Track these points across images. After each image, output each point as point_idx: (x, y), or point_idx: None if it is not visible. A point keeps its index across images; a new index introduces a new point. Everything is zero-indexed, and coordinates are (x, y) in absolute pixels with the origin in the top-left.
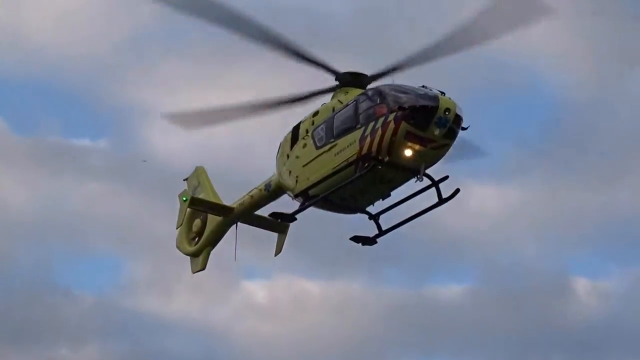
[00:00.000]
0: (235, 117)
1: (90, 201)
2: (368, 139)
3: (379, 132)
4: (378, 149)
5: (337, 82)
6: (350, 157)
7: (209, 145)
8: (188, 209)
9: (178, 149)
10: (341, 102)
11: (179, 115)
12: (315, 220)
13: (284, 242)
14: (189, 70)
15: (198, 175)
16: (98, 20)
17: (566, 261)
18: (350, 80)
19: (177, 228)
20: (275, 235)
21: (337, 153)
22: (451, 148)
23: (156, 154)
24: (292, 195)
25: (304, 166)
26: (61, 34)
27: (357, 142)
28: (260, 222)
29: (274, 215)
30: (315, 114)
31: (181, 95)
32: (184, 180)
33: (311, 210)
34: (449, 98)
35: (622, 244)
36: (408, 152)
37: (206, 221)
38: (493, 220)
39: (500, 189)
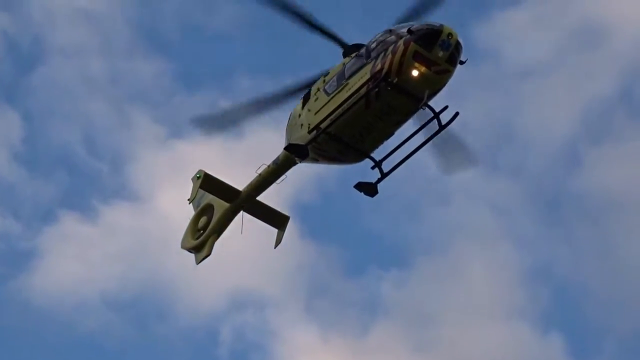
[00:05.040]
0: (248, 115)
1: None
2: (379, 65)
3: (389, 56)
4: (388, 69)
5: (344, 59)
6: (362, 85)
7: None
8: (198, 193)
9: None
10: (351, 57)
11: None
12: None
13: (282, 235)
14: None
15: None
16: None
17: None
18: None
19: (189, 203)
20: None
21: (349, 89)
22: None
23: None
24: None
25: (316, 114)
26: None
27: (369, 72)
28: (264, 213)
29: (289, 147)
30: (326, 74)
31: None
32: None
33: None
34: (451, 28)
35: None
36: (415, 73)
37: (212, 218)
38: None
39: None
